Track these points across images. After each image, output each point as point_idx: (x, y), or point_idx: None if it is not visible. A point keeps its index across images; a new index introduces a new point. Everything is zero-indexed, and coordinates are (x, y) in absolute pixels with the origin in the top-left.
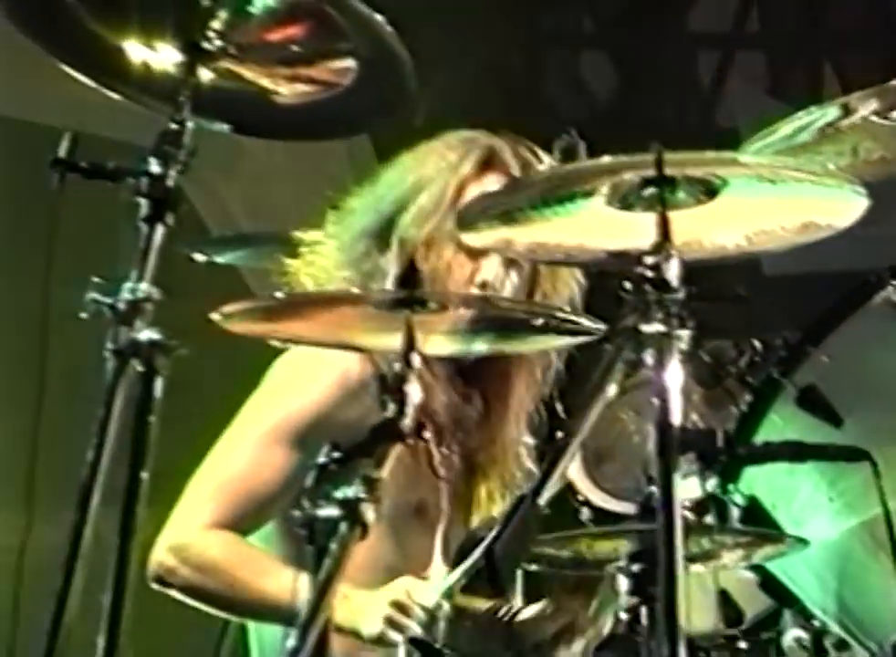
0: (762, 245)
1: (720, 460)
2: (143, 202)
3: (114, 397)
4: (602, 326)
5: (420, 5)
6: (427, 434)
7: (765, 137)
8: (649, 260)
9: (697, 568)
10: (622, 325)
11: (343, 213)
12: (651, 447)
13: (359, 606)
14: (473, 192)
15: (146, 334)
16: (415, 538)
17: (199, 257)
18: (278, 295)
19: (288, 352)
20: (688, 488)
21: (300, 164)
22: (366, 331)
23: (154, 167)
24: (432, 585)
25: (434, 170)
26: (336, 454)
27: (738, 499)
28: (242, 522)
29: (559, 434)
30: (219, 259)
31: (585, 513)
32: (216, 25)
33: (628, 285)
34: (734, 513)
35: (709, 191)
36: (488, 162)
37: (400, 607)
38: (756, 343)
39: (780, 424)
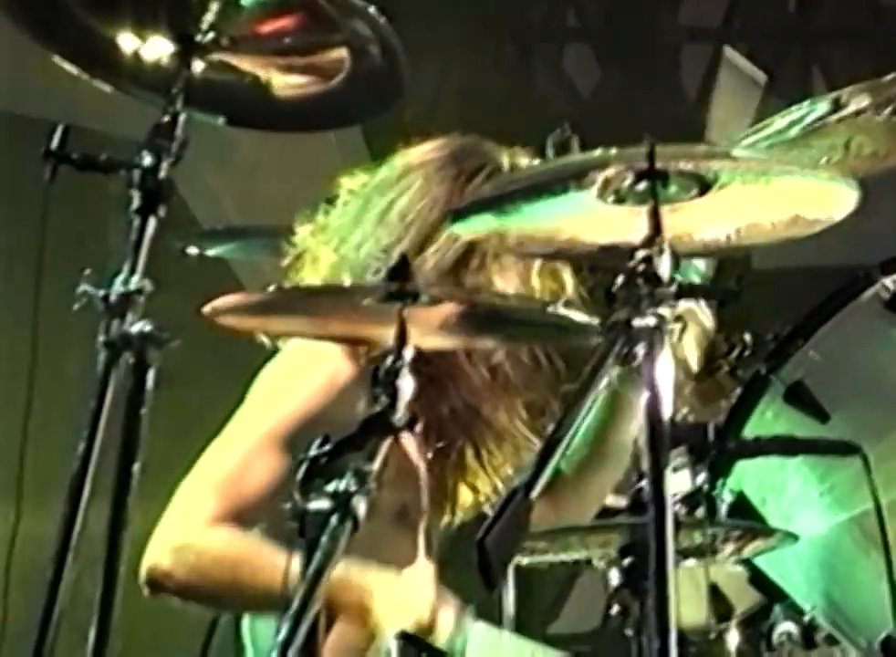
0: (752, 238)
1: (711, 454)
2: (135, 194)
3: (105, 389)
4: (595, 321)
5: None
6: (418, 428)
7: (756, 132)
8: (640, 254)
9: (688, 562)
10: (614, 319)
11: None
12: (642, 441)
13: (398, 606)
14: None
15: (138, 326)
16: (397, 542)
17: (190, 250)
18: (269, 289)
19: (279, 354)
20: (678, 482)
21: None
22: (360, 324)
23: (147, 159)
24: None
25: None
26: (326, 448)
27: (726, 494)
28: (239, 521)
29: (551, 427)
30: (210, 252)
31: None
32: (209, 16)
33: (619, 279)
34: (722, 508)
35: (701, 185)
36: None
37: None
38: (747, 337)
39: (769, 419)
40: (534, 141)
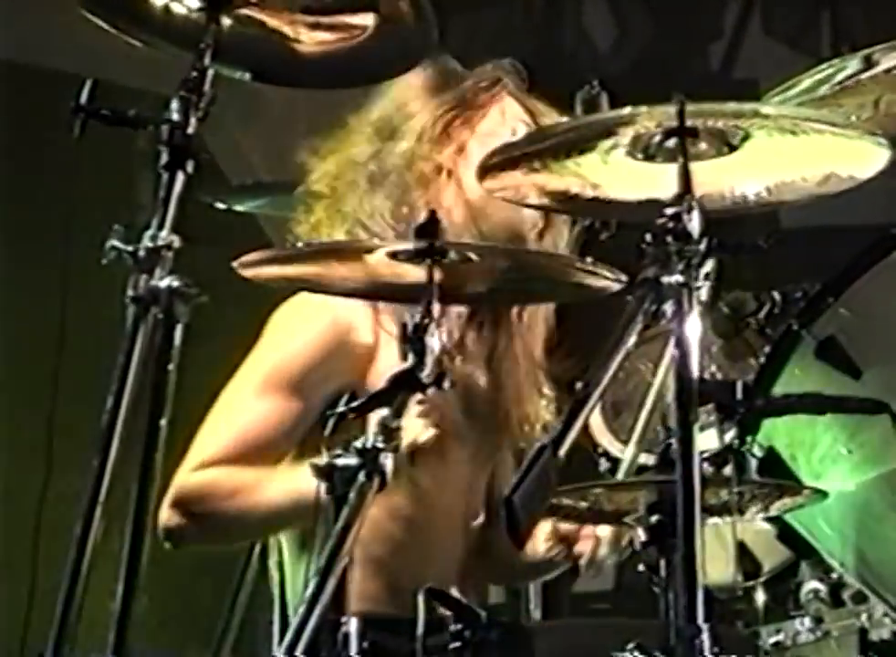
0: (782, 196)
1: (739, 412)
2: (163, 150)
3: (134, 344)
4: (623, 277)
5: None
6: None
7: (786, 89)
8: (670, 211)
9: (715, 520)
10: (643, 276)
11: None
12: (671, 399)
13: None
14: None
15: (166, 281)
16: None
17: (218, 205)
18: (299, 244)
19: (283, 305)
20: (707, 440)
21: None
22: (386, 280)
23: (175, 115)
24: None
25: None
26: (354, 404)
27: (756, 450)
28: (243, 462)
29: (579, 386)
30: (238, 207)
31: (603, 464)
32: None
33: (648, 236)
34: (752, 464)
35: (730, 142)
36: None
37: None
38: (776, 295)
39: (799, 376)
40: (565, 99)
